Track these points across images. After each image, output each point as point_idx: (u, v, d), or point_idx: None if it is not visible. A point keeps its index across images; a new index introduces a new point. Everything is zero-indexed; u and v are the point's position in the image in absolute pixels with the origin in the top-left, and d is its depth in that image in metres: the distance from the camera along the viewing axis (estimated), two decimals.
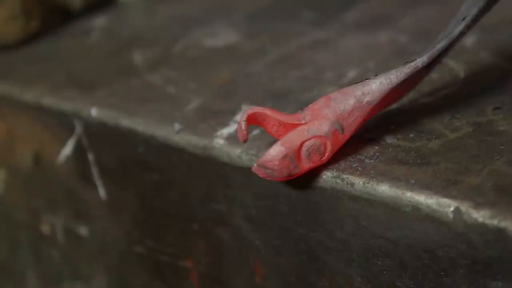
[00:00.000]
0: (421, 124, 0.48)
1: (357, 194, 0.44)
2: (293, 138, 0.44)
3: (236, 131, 0.50)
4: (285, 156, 0.44)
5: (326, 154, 0.45)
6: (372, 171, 0.44)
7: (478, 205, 0.40)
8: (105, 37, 0.70)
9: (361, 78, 0.54)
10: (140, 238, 0.58)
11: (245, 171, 0.48)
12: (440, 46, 0.45)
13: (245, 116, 0.45)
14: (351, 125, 0.46)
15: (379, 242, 0.44)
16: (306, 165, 0.45)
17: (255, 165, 0.45)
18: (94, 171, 0.58)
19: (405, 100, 0.50)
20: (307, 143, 0.44)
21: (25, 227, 0.67)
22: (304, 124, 0.45)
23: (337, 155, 0.46)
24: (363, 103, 0.45)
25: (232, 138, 0.50)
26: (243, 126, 0.45)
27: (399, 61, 0.56)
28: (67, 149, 0.59)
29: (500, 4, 0.59)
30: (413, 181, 0.43)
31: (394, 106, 0.50)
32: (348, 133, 0.45)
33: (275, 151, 0.44)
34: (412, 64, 0.45)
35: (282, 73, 0.57)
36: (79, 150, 0.58)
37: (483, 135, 0.46)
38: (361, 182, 0.44)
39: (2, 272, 0.72)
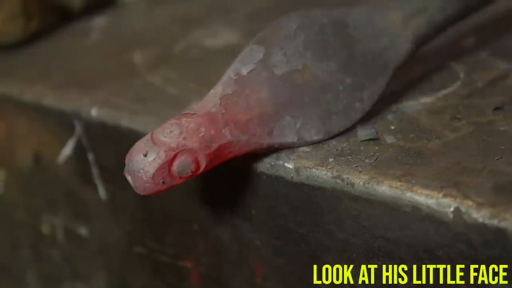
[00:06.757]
0: (421, 124, 0.48)
1: (357, 194, 0.44)
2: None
3: None
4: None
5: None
6: (372, 171, 0.44)
7: (478, 205, 0.40)
8: (105, 37, 0.70)
9: None
10: (140, 238, 0.58)
11: (245, 171, 0.48)
12: None
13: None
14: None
15: (379, 242, 0.44)
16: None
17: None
18: (94, 171, 0.58)
19: (404, 100, 0.50)
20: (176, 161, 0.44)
21: (25, 227, 0.67)
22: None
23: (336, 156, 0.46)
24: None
25: None
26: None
27: None
28: (67, 149, 0.59)
29: (500, 4, 0.58)
30: (413, 181, 0.43)
31: (394, 106, 0.50)
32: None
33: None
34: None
35: None
36: (79, 150, 0.58)
37: (483, 135, 0.46)
38: (361, 182, 0.44)
39: (2, 272, 0.72)
